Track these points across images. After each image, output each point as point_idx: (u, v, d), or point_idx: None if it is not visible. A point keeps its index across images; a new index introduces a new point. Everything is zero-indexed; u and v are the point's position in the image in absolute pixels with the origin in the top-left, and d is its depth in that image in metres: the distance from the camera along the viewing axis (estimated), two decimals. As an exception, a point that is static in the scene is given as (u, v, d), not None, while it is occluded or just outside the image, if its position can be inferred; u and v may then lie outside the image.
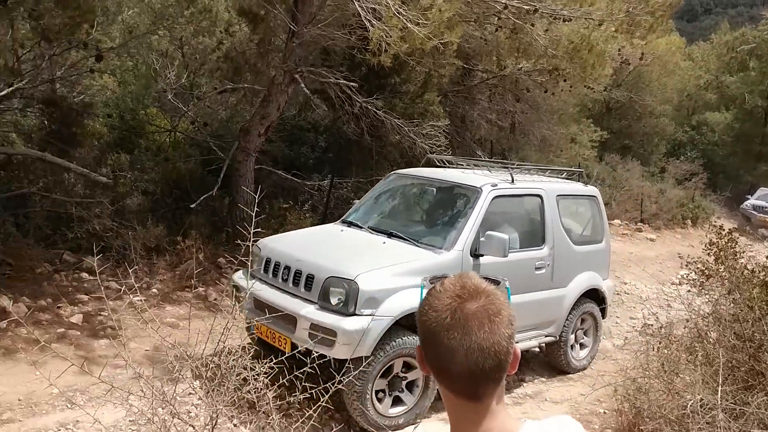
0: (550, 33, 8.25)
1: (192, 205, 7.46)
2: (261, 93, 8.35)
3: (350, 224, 5.56)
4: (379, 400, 4.51)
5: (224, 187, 8.02)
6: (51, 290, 5.95)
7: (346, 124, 8.94)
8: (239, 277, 5.23)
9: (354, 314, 4.34)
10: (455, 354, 1.16)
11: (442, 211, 5.61)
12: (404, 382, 4.63)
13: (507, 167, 5.91)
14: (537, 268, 5.46)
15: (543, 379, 5.90)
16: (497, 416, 1.20)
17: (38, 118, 8.26)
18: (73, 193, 7.11)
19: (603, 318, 6.35)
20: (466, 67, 11.11)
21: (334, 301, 4.44)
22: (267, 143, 8.50)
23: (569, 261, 5.74)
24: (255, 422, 3.26)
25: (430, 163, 6.45)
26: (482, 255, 4.92)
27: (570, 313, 5.79)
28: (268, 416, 2.98)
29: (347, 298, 4.37)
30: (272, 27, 8.17)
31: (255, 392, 2.96)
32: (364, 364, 4.10)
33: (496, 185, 5.28)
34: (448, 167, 6.21)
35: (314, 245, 5.24)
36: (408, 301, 4.43)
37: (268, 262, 5.05)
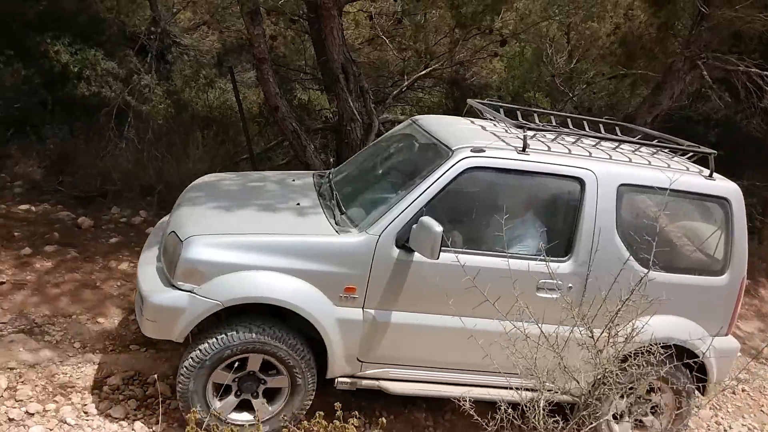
0: None
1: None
2: (653, 80, 7.96)
3: (328, 174, 4.61)
4: (220, 397, 3.56)
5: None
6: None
7: (748, 119, 7.90)
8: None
9: (173, 286, 3.46)
10: None
11: (402, 176, 4.03)
12: (262, 387, 3.61)
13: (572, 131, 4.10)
14: (542, 289, 3.68)
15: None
16: None
17: (439, 96, 9.46)
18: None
19: (702, 394, 4.07)
20: None
21: (166, 263, 3.61)
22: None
23: (628, 293, 3.68)
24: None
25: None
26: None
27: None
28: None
29: (171, 263, 3.50)
30: (677, 9, 7.66)
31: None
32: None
33: (482, 151, 3.65)
34: (488, 119, 4.52)
35: (222, 192, 4.29)
36: (251, 285, 3.38)
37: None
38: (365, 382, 3.71)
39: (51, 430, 3.59)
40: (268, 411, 3.61)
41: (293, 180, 4.53)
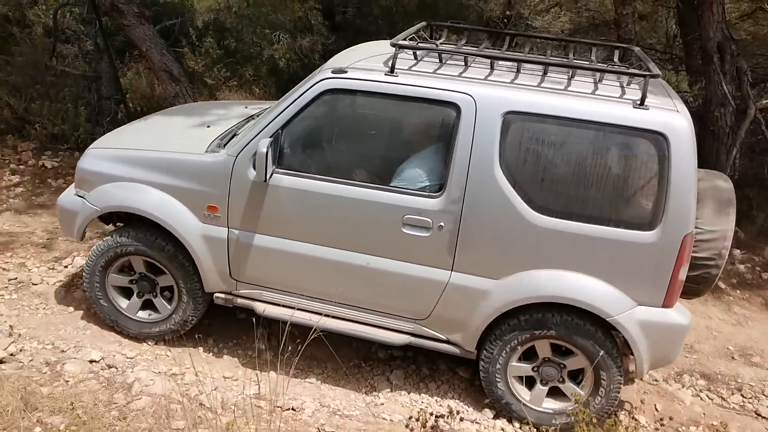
0: None
1: None
2: None
3: None
4: (128, 298, 3.99)
5: None
6: None
7: None
8: None
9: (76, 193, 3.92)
10: None
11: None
12: (158, 287, 3.92)
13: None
14: (408, 225, 3.37)
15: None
16: None
17: None
18: None
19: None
20: None
21: None
22: None
23: (514, 239, 3.27)
24: None
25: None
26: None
27: (505, 325, 3.44)
28: None
29: None
30: None
31: None
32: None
33: (344, 73, 3.39)
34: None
35: (172, 114, 4.79)
36: (121, 195, 3.72)
37: None
38: (239, 301, 3.80)
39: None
40: (167, 309, 3.93)
41: (246, 107, 4.69)
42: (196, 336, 4.04)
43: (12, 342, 3.74)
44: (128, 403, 3.33)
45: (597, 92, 3.26)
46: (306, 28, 8.86)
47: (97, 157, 3.86)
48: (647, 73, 3.14)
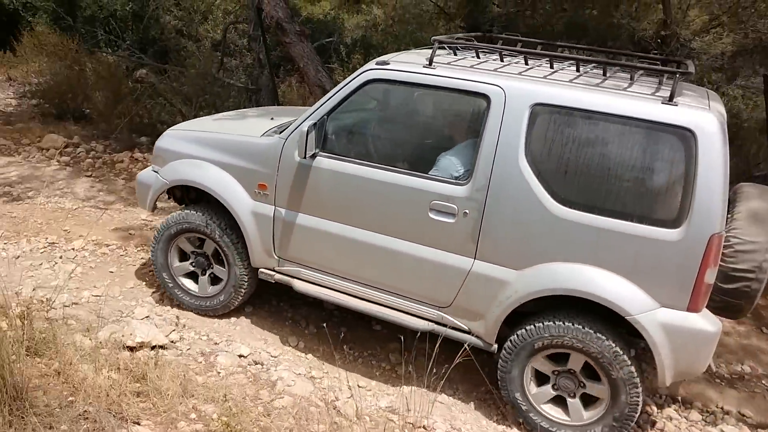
0: None
1: None
2: None
3: None
4: (196, 281, 4.35)
5: None
6: None
7: None
8: None
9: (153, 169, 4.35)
10: None
11: None
12: (211, 257, 4.25)
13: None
14: (434, 211, 3.45)
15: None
16: None
17: None
18: None
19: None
20: None
21: None
22: None
23: (535, 229, 3.24)
24: None
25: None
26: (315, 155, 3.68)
27: (529, 320, 3.41)
28: None
29: None
30: None
31: None
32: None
33: (386, 64, 3.58)
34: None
35: (246, 113, 5.17)
36: (186, 171, 4.09)
37: None
38: (279, 277, 4.01)
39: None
40: (225, 273, 4.20)
41: None
42: (345, 348, 4.22)
43: (173, 330, 4.12)
44: (272, 400, 3.55)
45: (628, 89, 3.26)
46: (451, 46, 8.96)
47: (171, 137, 4.30)
48: (678, 70, 3.13)
